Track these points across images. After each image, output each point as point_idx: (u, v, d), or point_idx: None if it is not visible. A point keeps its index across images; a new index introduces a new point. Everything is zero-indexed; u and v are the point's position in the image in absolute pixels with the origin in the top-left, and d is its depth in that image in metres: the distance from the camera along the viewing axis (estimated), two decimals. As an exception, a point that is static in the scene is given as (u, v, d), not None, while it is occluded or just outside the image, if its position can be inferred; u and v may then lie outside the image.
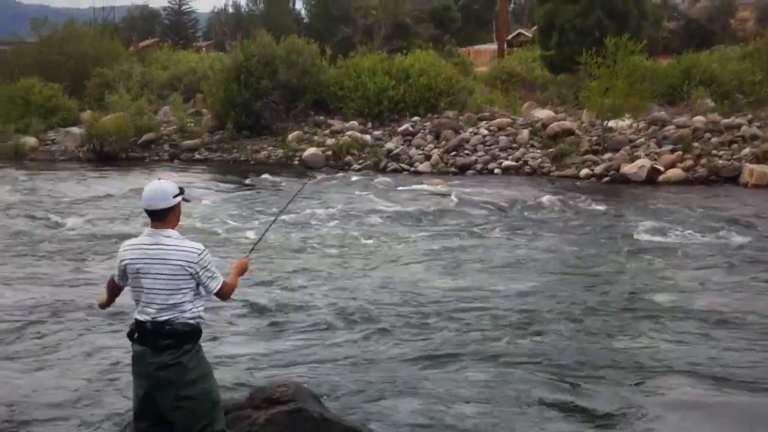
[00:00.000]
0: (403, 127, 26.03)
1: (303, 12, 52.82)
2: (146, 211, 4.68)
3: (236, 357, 7.89)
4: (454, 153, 24.06)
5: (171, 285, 4.59)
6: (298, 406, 5.81)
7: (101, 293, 4.97)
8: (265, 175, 22.02)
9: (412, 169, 23.62)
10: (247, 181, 21.52)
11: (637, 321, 9.10)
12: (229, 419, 5.23)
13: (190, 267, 4.60)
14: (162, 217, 4.65)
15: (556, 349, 8.12)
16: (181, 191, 4.76)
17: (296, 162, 25.19)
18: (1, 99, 29.81)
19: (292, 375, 7.24)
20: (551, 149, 23.17)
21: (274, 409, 5.79)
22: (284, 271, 11.42)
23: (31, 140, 27.89)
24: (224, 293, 4.80)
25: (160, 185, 4.70)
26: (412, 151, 24.60)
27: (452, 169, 23.37)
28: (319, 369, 7.60)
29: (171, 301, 4.59)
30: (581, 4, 31.40)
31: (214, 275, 4.69)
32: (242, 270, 5.06)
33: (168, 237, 4.65)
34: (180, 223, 4.78)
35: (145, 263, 4.61)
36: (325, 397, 6.51)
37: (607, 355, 7.99)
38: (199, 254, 4.64)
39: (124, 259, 4.68)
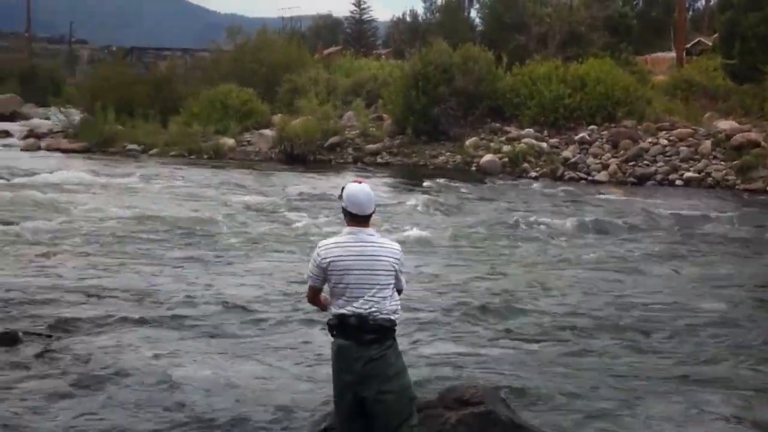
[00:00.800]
0: (580, 135, 25.62)
1: (477, 20, 52.82)
2: (352, 213, 4.76)
3: (423, 357, 7.91)
4: (632, 163, 23.46)
5: (376, 281, 4.68)
6: (488, 408, 5.69)
7: (318, 301, 5.00)
8: (443, 180, 22.21)
9: (590, 177, 23.21)
10: (426, 185, 21.70)
11: None
12: (420, 417, 5.17)
13: (396, 263, 4.74)
14: (367, 218, 4.78)
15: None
16: None
17: (473, 168, 25.29)
18: (203, 103, 31.51)
19: (481, 377, 7.20)
20: (735, 161, 22.13)
21: (465, 410, 5.70)
22: (471, 272, 11.49)
23: (229, 141, 29.33)
24: (403, 290, 4.95)
25: (368, 190, 4.80)
26: (589, 160, 24.16)
27: (631, 179, 22.80)
28: (513, 373, 7.53)
29: (376, 297, 4.67)
30: (765, 11, 29.79)
31: (404, 273, 4.87)
32: None
33: (371, 235, 4.76)
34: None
35: (353, 260, 4.68)
36: (515, 403, 6.39)
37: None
38: (400, 252, 4.81)
39: (326, 258, 4.73)
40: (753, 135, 23.11)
